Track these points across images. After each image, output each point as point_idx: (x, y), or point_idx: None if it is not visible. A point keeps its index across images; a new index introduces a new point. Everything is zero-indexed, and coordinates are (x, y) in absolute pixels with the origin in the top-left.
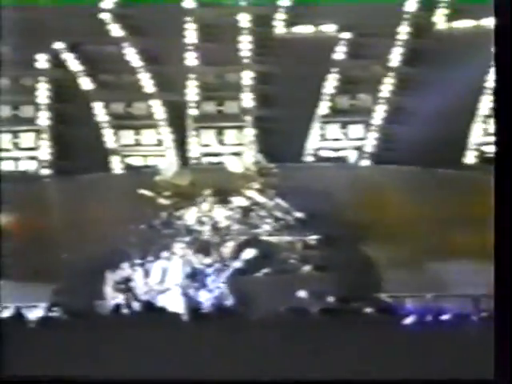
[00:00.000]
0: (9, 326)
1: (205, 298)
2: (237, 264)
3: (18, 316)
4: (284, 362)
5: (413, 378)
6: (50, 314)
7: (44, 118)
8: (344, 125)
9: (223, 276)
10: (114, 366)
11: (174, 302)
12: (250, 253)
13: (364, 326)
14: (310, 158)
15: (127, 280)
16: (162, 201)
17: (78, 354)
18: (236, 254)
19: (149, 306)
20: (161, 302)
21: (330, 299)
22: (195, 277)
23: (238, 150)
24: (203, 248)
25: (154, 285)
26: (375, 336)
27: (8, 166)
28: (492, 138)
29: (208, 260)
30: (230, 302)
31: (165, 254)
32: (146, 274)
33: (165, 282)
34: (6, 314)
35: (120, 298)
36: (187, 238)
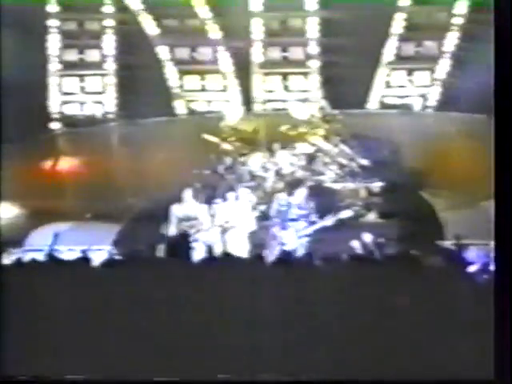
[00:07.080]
0: (74, 268)
1: (268, 243)
2: (301, 210)
3: (84, 258)
4: (346, 309)
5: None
6: (114, 256)
7: (110, 63)
8: (409, 72)
9: (287, 222)
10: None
11: (237, 247)
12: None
13: (427, 274)
14: (374, 105)
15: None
16: (226, 146)
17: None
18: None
19: (211, 251)
20: (224, 246)
21: (394, 246)
22: (259, 222)
23: (302, 96)
24: (266, 193)
25: (217, 229)
26: (439, 284)
27: (74, 110)
28: None
29: (271, 205)
30: (292, 247)
31: (229, 199)
32: (210, 219)
33: (228, 226)
34: (72, 256)
35: (183, 242)
36: (251, 184)
